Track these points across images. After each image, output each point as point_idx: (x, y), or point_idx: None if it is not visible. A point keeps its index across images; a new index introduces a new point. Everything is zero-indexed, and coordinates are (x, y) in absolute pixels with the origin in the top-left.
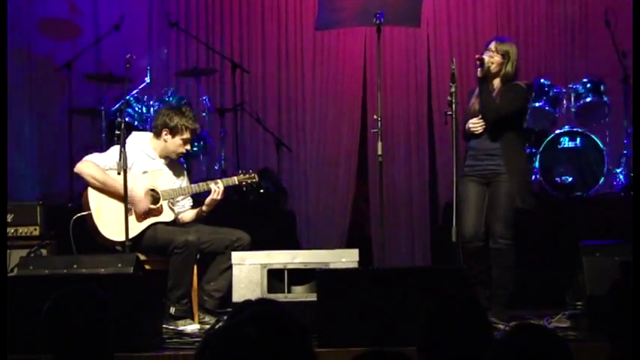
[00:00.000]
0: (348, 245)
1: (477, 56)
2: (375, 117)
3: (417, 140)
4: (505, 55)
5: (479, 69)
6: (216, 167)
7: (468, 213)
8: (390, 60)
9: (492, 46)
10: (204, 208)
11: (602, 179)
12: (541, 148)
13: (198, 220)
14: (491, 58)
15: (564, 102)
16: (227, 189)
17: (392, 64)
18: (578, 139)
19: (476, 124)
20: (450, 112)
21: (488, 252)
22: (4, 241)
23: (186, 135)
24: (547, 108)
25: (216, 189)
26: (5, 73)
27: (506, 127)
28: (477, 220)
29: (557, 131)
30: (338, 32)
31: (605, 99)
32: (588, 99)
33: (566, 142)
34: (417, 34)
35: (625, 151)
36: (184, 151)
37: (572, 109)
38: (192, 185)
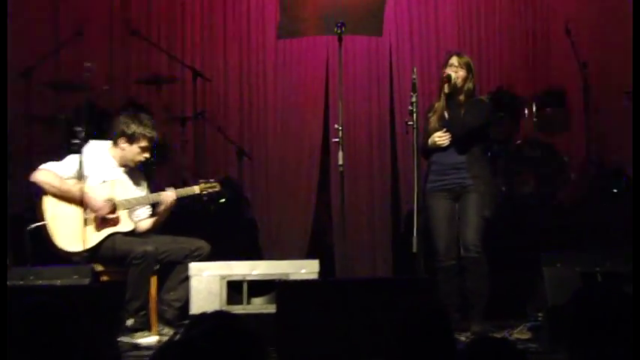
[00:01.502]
0: (310, 256)
1: (444, 73)
2: (336, 126)
3: (378, 150)
4: (469, 69)
5: (445, 85)
6: (178, 176)
7: (439, 230)
8: (352, 69)
9: (454, 60)
10: (158, 218)
11: (563, 188)
12: (503, 159)
13: (156, 229)
14: (457, 73)
15: (526, 112)
16: (188, 198)
17: (354, 73)
18: (540, 148)
19: (442, 137)
20: (411, 122)
21: (460, 270)
22: (4, 241)
23: (144, 143)
24: (508, 117)
25: (167, 198)
26: (6, 72)
27: (472, 140)
28: (449, 236)
29: (519, 141)
30: (300, 41)
31: (567, 108)
32: (549, 109)
33: (527, 151)
34: (380, 43)
35: (587, 160)
36: (143, 159)
37: (534, 119)
38: (149, 195)
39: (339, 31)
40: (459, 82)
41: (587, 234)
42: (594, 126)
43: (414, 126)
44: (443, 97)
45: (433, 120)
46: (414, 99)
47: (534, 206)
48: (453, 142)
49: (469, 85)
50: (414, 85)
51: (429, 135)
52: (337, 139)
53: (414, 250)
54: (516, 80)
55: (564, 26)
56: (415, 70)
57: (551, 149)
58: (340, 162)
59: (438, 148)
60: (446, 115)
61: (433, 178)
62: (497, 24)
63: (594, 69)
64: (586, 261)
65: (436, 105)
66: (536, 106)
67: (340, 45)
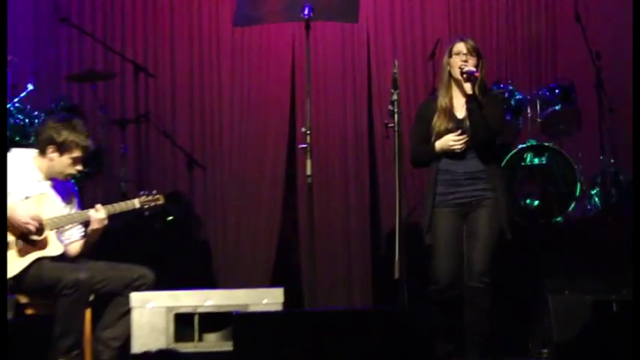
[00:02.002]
0: (274, 283)
1: (463, 68)
2: (303, 129)
3: (355, 157)
4: (479, 56)
5: (467, 84)
6: (116, 189)
7: (442, 255)
8: (322, 62)
9: (461, 47)
10: (87, 239)
11: (573, 203)
12: (502, 166)
13: (89, 253)
14: (470, 65)
15: (528, 111)
16: (127, 214)
17: (325, 67)
18: (545, 155)
19: (458, 141)
20: (392, 124)
21: (461, 300)
22: (4, 241)
23: (77, 153)
24: (508, 118)
25: (96, 217)
26: (5, 70)
27: (490, 145)
28: (454, 263)
29: (521, 146)
30: (260, 30)
31: (576, 107)
32: (557, 107)
33: (531, 159)
34: (355, 31)
35: (601, 168)
36: (74, 172)
37: (538, 120)
38: (78, 212)
39: (306, 17)
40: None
41: (600, 256)
42: (609, 128)
43: (395, 129)
44: (451, 92)
45: (440, 121)
46: (394, 97)
47: (539, 222)
48: (469, 148)
49: (482, 76)
50: (394, 80)
51: (436, 138)
52: (304, 145)
53: (396, 276)
54: (517, 74)
55: (573, 10)
56: (396, 63)
57: (558, 155)
58: (308, 172)
59: (447, 155)
60: (458, 115)
61: (443, 190)
62: (494, 7)
63: (608, 60)
64: (599, 287)
65: (439, 102)
66: (540, 104)
67: (308, 33)
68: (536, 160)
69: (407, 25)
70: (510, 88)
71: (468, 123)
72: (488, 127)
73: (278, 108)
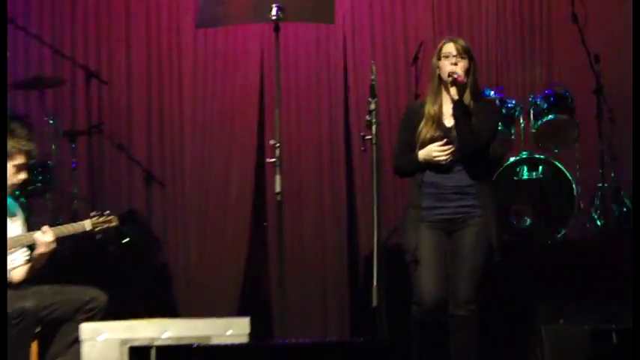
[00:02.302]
0: (240, 312)
1: (450, 72)
2: (272, 142)
3: (330, 172)
4: (470, 57)
5: (452, 88)
6: (66, 208)
7: (426, 272)
8: (294, 67)
9: (451, 48)
10: (32, 264)
11: (570, 222)
12: (492, 180)
13: (34, 279)
14: (456, 66)
15: (521, 120)
16: (77, 237)
17: (297, 73)
18: (540, 169)
19: (443, 152)
20: (370, 137)
21: (446, 326)
22: (4, 241)
23: (20, 160)
24: (499, 128)
25: (42, 240)
26: (5, 71)
27: (481, 156)
28: (439, 283)
29: (513, 158)
30: (226, 31)
31: (574, 116)
32: (552, 116)
33: (524, 173)
34: (330, 33)
35: (600, 184)
36: (18, 181)
37: (532, 130)
38: (23, 234)
39: (275, 18)
40: (464, 78)
41: (599, 280)
42: (609, 139)
43: (373, 141)
44: (440, 98)
45: (427, 128)
46: (372, 106)
47: (532, 243)
48: (457, 159)
49: (475, 79)
50: (372, 88)
51: (419, 147)
52: (273, 159)
53: (374, 303)
54: (508, 79)
55: (570, 10)
56: (374, 68)
57: (554, 169)
58: (278, 189)
59: (432, 166)
60: (446, 122)
61: (428, 205)
62: (483, 6)
63: (608, 65)
64: (597, 316)
65: (427, 108)
66: (534, 113)
67: (277, 36)
68: (529, 175)
69: (387, 26)
70: (501, 95)
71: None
72: (476, 137)
73: (245, 118)
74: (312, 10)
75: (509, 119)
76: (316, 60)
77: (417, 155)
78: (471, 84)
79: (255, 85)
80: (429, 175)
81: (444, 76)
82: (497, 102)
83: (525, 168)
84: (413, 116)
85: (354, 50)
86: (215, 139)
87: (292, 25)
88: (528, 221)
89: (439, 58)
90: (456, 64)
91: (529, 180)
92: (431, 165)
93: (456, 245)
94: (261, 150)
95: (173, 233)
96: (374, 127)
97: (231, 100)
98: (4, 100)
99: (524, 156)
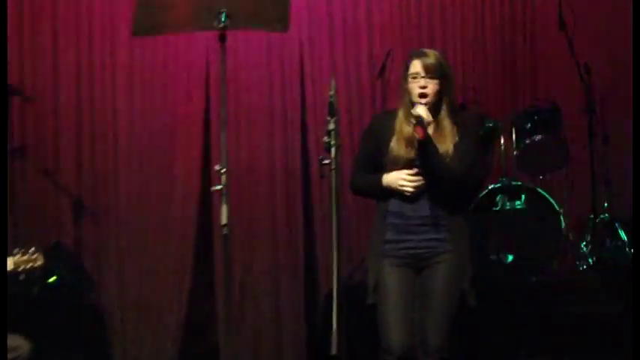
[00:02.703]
0: (183, 359)
1: (416, 107)
2: (217, 167)
3: (284, 202)
4: (442, 75)
5: (418, 128)
6: None
7: (394, 315)
8: (244, 81)
9: (417, 67)
10: None
11: (558, 258)
12: (467, 211)
13: None
14: (427, 96)
15: (502, 142)
16: None
17: (247, 88)
18: (523, 197)
19: (411, 183)
20: (329, 161)
21: None
22: (4, 240)
23: None
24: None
25: None
26: (5, 74)
27: (450, 192)
28: (408, 328)
29: (492, 186)
30: (166, 41)
31: (562, 136)
32: (537, 137)
33: (504, 202)
34: (285, 42)
35: (592, 214)
36: None
37: (514, 152)
38: None
39: (221, 25)
40: (431, 99)
41: (592, 328)
42: (603, 162)
43: (333, 166)
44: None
45: (399, 146)
46: (331, 125)
47: (514, 284)
48: (426, 188)
49: (451, 98)
50: (331, 105)
51: (386, 163)
52: (219, 187)
53: (333, 351)
54: (487, 95)
55: (556, 16)
56: (333, 82)
57: (539, 198)
58: (224, 220)
59: (398, 194)
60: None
61: (393, 237)
62: (458, 14)
63: (600, 77)
64: None
65: (398, 125)
66: (516, 132)
67: (223, 46)
68: (510, 204)
69: (349, 34)
70: (479, 112)
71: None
72: (457, 176)
73: (188, 140)
74: (263, 17)
75: (488, 141)
76: (269, 73)
77: (380, 179)
78: (446, 105)
79: (199, 102)
80: (394, 204)
81: (415, 99)
82: (477, 120)
83: (506, 196)
84: (379, 128)
85: (311, 62)
86: (154, 164)
87: (241, 34)
88: (510, 257)
89: (406, 79)
90: (424, 87)
91: (510, 210)
92: (394, 192)
93: (424, 285)
94: (206, 176)
95: (106, 269)
96: (333, 150)
97: (172, 119)
98: (4, 100)
99: (504, 183)
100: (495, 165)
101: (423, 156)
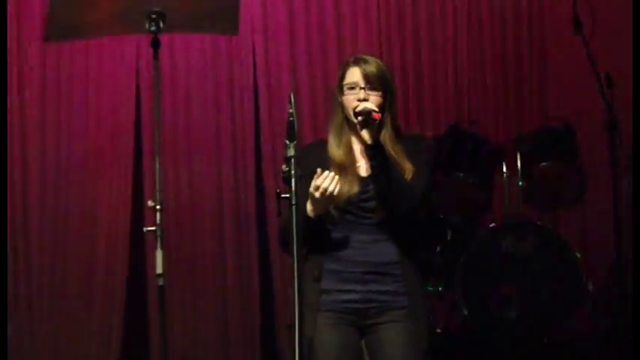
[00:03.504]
0: None
1: (358, 111)
2: (150, 204)
3: (236, 245)
4: (385, 87)
5: (364, 131)
6: None
7: None
8: (183, 97)
9: (357, 76)
10: None
11: (574, 313)
12: (463, 257)
13: None
14: (372, 104)
15: (504, 170)
16: None
17: (187, 105)
18: (530, 239)
19: (329, 181)
20: (288, 195)
21: None
22: (4, 240)
23: None
24: (471, 180)
25: None
26: (5, 73)
27: (410, 219)
28: None
29: (493, 224)
30: (86, 47)
31: (577, 162)
32: (547, 163)
33: (508, 245)
34: (234, 48)
35: (616, 259)
36: None
37: (520, 183)
38: None
39: (153, 28)
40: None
41: None
42: (628, 194)
43: (293, 200)
44: (347, 139)
45: (340, 178)
46: (291, 151)
47: (520, 344)
48: (375, 223)
49: (393, 113)
50: (290, 125)
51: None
52: (153, 228)
53: None
54: (486, 112)
55: (571, 16)
56: (292, 98)
57: (551, 239)
58: (159, 269)
59: (336, 228)
60: (361, 172)
61: (330, 287)
62: (449, 12)
63: (624, 90)
64: None
65: (332, 153)
66: (522, 158)
67: (156, 53)
68: (516, 247)
69: (314, 40)
70: (475, 135)
71: (375, 185)
72: (413, 193)
73: (114, 168)
74: (207, 18)
75: (487, 169)
76: (215, 87)
77: (305, 210)
78: (390, 123)
79: (127, 122)
80: (331, 244)
81: (349, 115)
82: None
83: (510, 237)
84: (311, 161)
85: (267, 72)
86: (72, 197)
87: (180, 39)
88: (515, 313)
89: (341, 90)
90: (365, 99)
91: (516, 254)
92: (336, 227)
93: (371, 350)
94: (138, 214)
95: (17, 330)
96: (292, 180)
97: (94, 142)
98: (4, 101)
99: (508, 221)
100: (497, 199)
101: (376, 164)
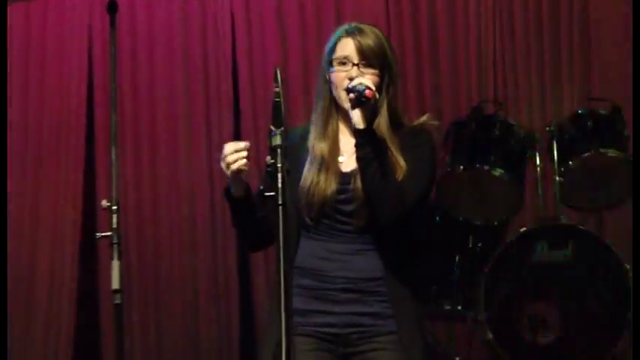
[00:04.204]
0: None
1: (350, 87)
2: (105, 204)
3: (212, 255)
4: (385, 64)
5: (355, 111)
6: None
7: None
8: (146, 72)
9: (350, 48)
10: None
11: (621, 337)
12: (488, 268)
13: None
14: (364, 78)
15: (537, 162)
16: None
17: (151, 82)
18: (571, 245)
19: (236, 157)
20: (271, 193)
21: None
22: (4, 240)
23: None
24: (502, 171)
25: None
26: (5, 72)
27: (404, 226)
28: None
29: (524, 229)
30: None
31: (627, 151)
32: (588, 153)
33: (543, 252)
34: (209, 13)
35: None
36: None
37: (557, 179)
38: None
39: None
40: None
41: None
42: None
43: (279, 200)
44: (334, 127)
45: (312, 174)
46: (277, 140)
47: None
48: (355, 230)
49: (388, 99)
50: (276, 107)
51: (300, 199)
52: (108, 233)
53: None
54: (515, 94)
55: None
56: (279, 74)
57: (595, 245)
58: (115, 284)
59: (307, 235)
60: (343, 167)
61: (302, 307)
62: None
63: None
64: None
65: (312, 144)
66: (560, 148)
67: (113, 19)
68: (553, 255)
69: (308, 6)
70: (503, 119)
71: (358, 182)
72: (399, 194)
73: (62, 159)
74: None
75: (517, 161)
76: (185, 61)
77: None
78: (386, 108)
79: (78, 105)
80: (304, 255)
81: (338, 96)
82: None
83: (546, 244)
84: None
85: (249, 44)
86: (10, 196)
87: (142, 2)
88: (551, 336)
89: (331, 64)
90: (356, 76)
91: (553, 264)
92: (305, 233)
93: None
94: (90, 216)
95: None
96: (279, 177)
97: (37, 128)
98: (4, 101)
99: (544, 224)
100: (529, 198)
101: (365, 154)
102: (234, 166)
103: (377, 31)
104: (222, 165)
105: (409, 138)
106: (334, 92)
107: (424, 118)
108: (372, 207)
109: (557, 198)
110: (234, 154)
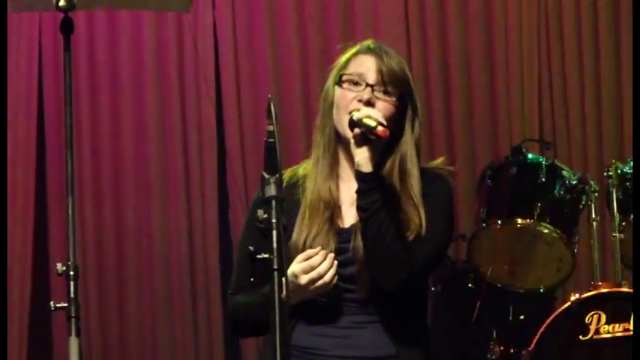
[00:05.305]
0: None
1: (356, 115)
2: (59, 268)
3: (192, 320)
4: (405, 93)
5: (360, 150)
6: None
7: None
8: (108, 97)
9: (369, 65)
10: None
11: None
12: (533, 345)
13: None
14: (380, 112)
15: (593, 214)
16: None
17: (115, 109)
18: (634, 319)
19: (325, 267)
20: (267, 255)
21: None
22: (4, 240)
23: None
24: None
25: None
26: (5, 73)
27: (409, 290)
28: None
29: (575, 296)
30: None
31: None
32: None
33: (599, 328)
34: (185, 32)
35: None
36: None
37: (617, 235)
38: None
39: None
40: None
41: None
42: None
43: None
44: (337, 168)
45: (309, 225)
46: (271, 190)
47: None
48: (362, 296)
49: (411, 136)
50: (270, 151)
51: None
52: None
53: None
54: (566, 129)
55: None
56: (273, 107)
57: None
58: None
59: (309, 310)
60: (344, 219)
61: None
62: None
63: None
64: None
65: (309, 188)
66: (618, 197)
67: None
68: (610, 331)
69: (308, 15)
70: (550, 162)
71: (359, 240)
72: (398, 256)
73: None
74: None
75: (567, 214)
76: (157, 82)
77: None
78: (403, 147)
79: (27, 141)
80: (301, 334)
81: (340, 117)
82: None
83: (602, 317)
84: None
85: (236, 69)
86: None
87: (106, 16)
88: None
89: (339, 83)
90: (370, 102)
91: (612, 341)
92: (307, 307)
93: None
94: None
95: None
96: (274, 236)
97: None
98: (4, 101)
99: (599, 293)
100: (582, 258)
101: (367, 206)
102: (334, 280)
103: (393, 53)
104: (319, 283)
105: (423, 185)
106: (335, 115)
107: (438, 161)
108: (372, 268)
109: (618, 259)
110: (330, 269)
